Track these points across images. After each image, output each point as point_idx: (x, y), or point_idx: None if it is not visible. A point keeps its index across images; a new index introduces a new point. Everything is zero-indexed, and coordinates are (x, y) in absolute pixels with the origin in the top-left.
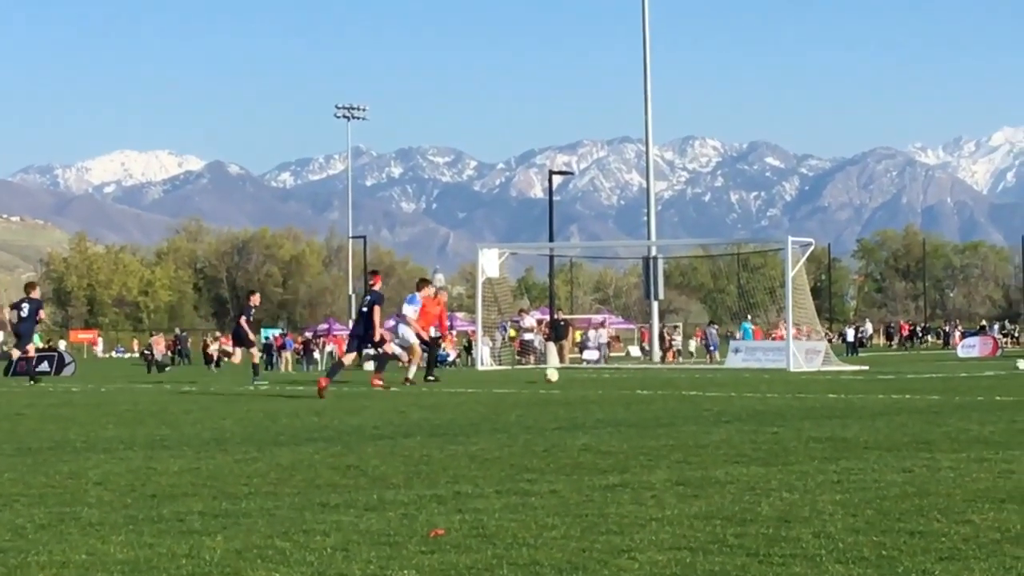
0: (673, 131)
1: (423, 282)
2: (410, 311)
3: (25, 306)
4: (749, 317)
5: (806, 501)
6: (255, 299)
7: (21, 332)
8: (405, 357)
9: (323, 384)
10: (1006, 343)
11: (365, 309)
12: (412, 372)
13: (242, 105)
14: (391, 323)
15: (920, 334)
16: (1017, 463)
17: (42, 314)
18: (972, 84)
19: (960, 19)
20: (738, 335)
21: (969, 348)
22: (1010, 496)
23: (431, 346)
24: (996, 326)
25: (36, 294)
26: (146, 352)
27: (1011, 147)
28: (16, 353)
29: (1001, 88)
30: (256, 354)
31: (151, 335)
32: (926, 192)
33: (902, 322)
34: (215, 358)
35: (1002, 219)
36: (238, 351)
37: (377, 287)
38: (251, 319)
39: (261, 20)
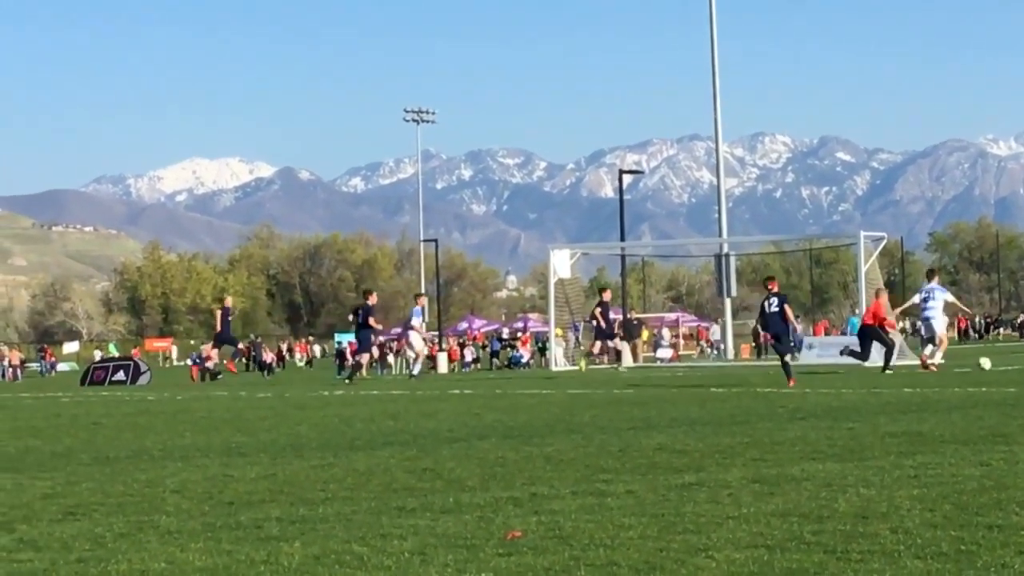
0: (742, 127)
1: (419, 296)
2: (416, 321)
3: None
4: (856, 311)
5: (883, 497)
6: (373, 298)
7: (359, 338)
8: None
9: None
10: None
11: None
12: (417, 369)
13: (311, 111)
14: (398, 331)
15: (992, 326)
16: None
17: (372, 321)
18: None
19: None
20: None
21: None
22: None
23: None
24: None
25: (372, 300)
26: (198, 361)
27: None
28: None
29: None
30: (369, 356)
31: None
32: (998, 183)
33: (959, 316)
34: (270, 364)
35: None
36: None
37: (371, 302)
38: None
39: (328, 24)
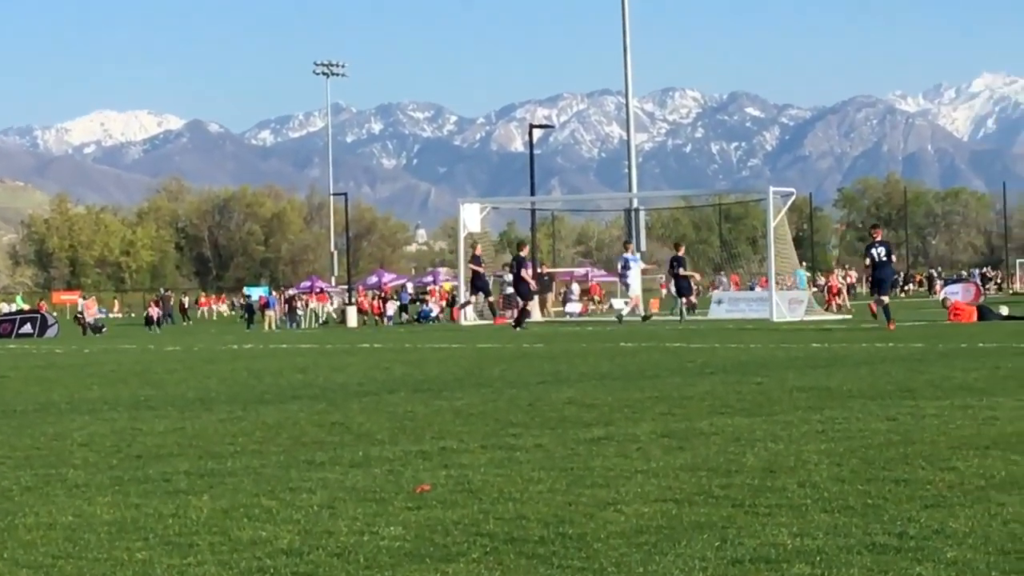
0: (653, 83)
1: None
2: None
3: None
4: (804, 264)
5: (791, 451)
6: (525, 250)
7: (519, 289)
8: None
9: None
10: (988, 289)
11: None
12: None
13: (221, 63)
14: (307, 284)
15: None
16: (1000, 410)
17: (525, 273)
18: (952, 31)
19: None
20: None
21: (951, 295)
22: (994, 443)
23: None
24: (977, 272)
25: (525, 252)
26: (79, 315)
27: (991, 93)
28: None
29: (981, 34)
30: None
31: (84, 298)
32: (907, 140)
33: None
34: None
35: (983, 166)
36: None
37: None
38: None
39: None
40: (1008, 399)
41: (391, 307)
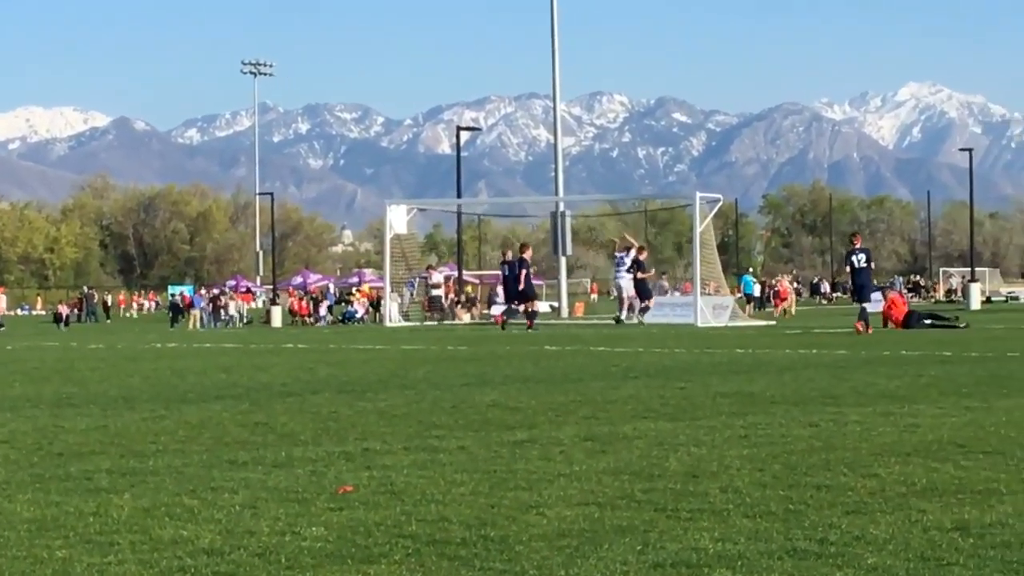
0: (580, 87)
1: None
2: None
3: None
4: (751, 270)
5: (713, 456)
6: (528, 252)
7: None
8: None
9: None
10: (912, 297)
11: None
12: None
13: (148, 61)
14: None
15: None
16: (922, 417)
17: (522, 276)
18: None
19: None
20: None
21: (875, 303)
22: (915, 450)
23: None
24: (901, 280)
25: (528, 254)
26: None
27: (916, 102)
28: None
29: (907, 44)
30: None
31: None
32: (832, 147)
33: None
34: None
35: (907, 174)
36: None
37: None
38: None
39: None
40: (930, 407)
41: (323, 307)
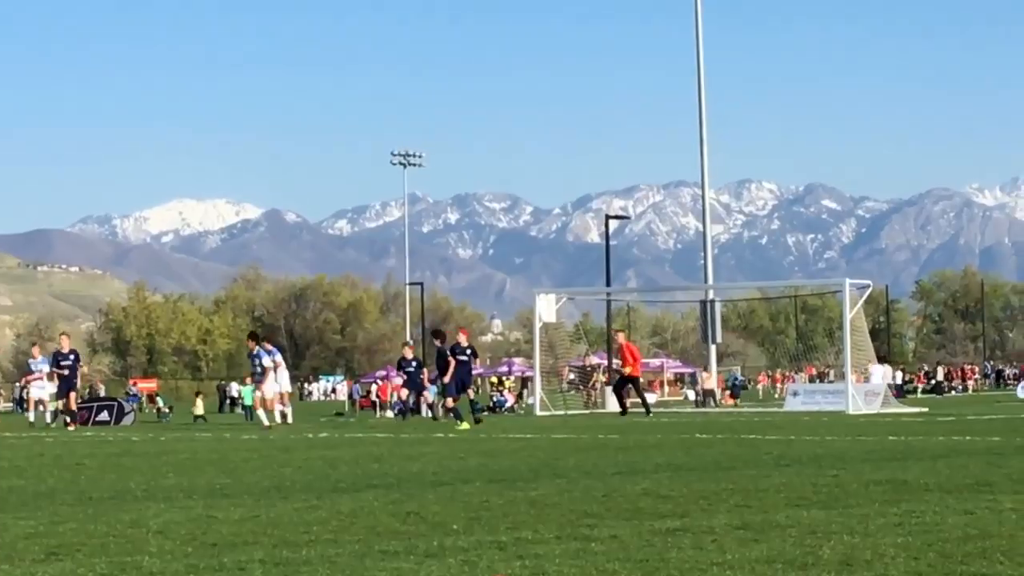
0: (728, 174)
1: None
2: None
3: None
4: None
5: (867, 544)
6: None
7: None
8: None
9: None
10: None
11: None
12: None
13: (298, 153)
14: (382, 373)
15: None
16: None
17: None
18: None
19: (1014, 59)
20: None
21: None
22: None
23: None
24: None
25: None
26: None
27: None
28: None
29: None
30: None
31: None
32: (984, 233)
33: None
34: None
35: None
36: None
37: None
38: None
39: (316, 65)
40: None
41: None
